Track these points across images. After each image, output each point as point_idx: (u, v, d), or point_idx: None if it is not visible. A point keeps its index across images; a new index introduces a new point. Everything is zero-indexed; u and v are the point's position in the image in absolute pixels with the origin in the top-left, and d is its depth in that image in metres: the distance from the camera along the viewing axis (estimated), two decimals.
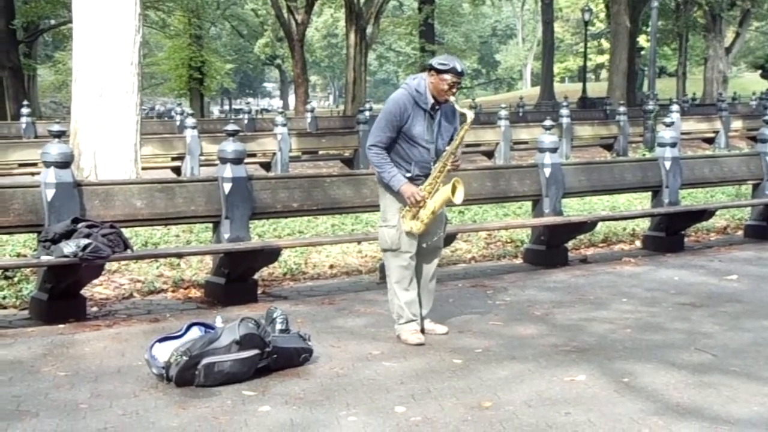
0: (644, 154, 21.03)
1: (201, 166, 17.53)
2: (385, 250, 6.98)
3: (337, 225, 11.45)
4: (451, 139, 6.84)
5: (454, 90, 6.67)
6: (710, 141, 25.18)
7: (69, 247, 7.17)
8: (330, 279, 9.54)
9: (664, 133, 11.40)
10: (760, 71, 62.46)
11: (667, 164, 11.06)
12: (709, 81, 47.64)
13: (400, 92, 6.84)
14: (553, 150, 10.32)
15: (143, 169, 13.08)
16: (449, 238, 9.27)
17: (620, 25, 38.15)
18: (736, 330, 7.15)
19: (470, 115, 6.85)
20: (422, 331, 7.00)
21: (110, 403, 5.48)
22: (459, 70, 6.64)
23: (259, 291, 8.65)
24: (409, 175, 6.74)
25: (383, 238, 6.92)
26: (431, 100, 6.70)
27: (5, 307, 8.15)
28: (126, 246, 7.66)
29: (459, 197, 6.69)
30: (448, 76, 6.62)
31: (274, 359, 6.03)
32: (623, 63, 38.21)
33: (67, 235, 7.34)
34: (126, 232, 8.02)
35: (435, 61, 6.77)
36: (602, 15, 60.34)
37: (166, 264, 9.40)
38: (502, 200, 11.11)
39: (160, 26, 45.74)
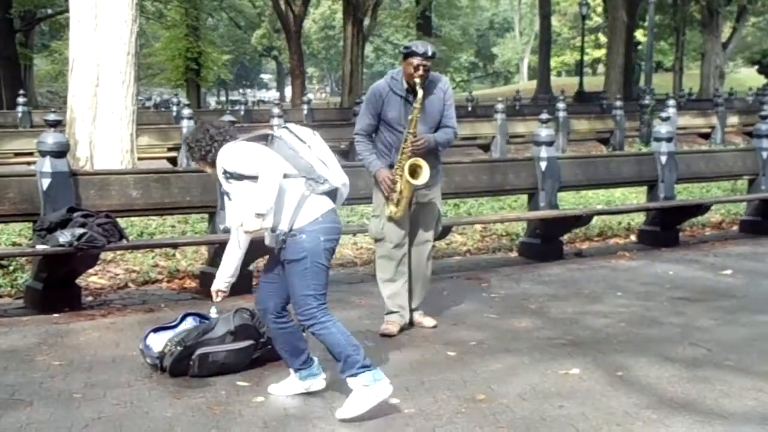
0: (640, 149, 21.05)
1: None
2: (375, 241, 7.06)
3: None
4: (439, 125, 6.81)
5: (420, 72, 6.59)
6: (706, 136, 25.16)
7: (64, 237, 7.16)
8: None
9: (661, 128, 11.39)
10: (756, 67, 62.51)
11: (663, 159, 11.06)
12: (706, 76, 47.58)
13: (379, 81, 6.98)
14: (550, 143, 10.32)
15: (139, 159, 13.07)
16: (444, 231, 9.28)
17: (617, 20, 38.15)
18: (730, 324, 7.17)
19: (420, 93, 6.65)
20: (411, 323, 7.03)
21: (104, 392, 5.49)
22: (421, 51, 6.58)
23: (255, 282, 8.62)
24: (391, 161, 6.75)
25: (370, 228, 7.09)
26: (406, 86, 6.70)
27: (0, 296, 8.15)
28: (121, 236, 7.66)
29: (422, 178, 6.61)
30: (413, 60, 6.60)
31: (268, 350, 6.03)
32: (620, 57, 38.20)
33: (63, 224, 7.33)
34: (121, 221, 8.01)
35: (403, 47, 6.82)
36: (599, 9, 60.46)
37: (162, 254, 9.39)
38: (498, 193, 11.13)
39: (156, 17, 45.67)
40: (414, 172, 6.62)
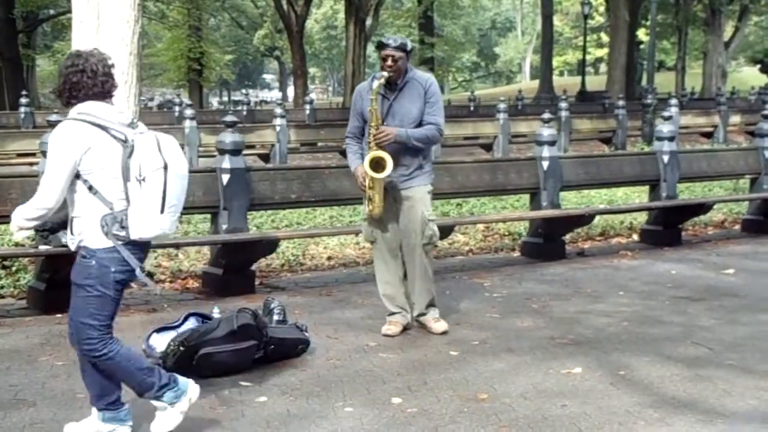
0: (642, 148, 21.05)
1: (199, 157, 17.52)
2: (370, 243, 7.12)
3: (336, 216, 11.46)
4: (421, 122, 6.67)
5: (389, 63, 6.52)
6: (709, 135, 25.18)
7: (67, 237, 7.14)
8: (328, 270, 9.55)
9: (663, 127, 11.40)
10: (759, 66, 62.47)
11: (665, 158, 11.07)
12: (708, 75, 47.64)
13: (363, 82, 6.96)
14: (552, 143, 10.33)
15: None
16: (447, 230, 9.30)
17: (619, 19, 38.14)
18: (732, 324, 7.17)
19: (375, 83, 6.61)
20: (416, 324, 7.00)
21: None
22: (387, 42, 6.54)
23: (257, 282, 8.66)
24: None
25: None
26: (384, 83, 6.63)
27: (3, 297, 8.17)
28: None
29: (384, 171, 6.49)
30: (382, 52, 6.57)
31: (271, 350, 6.05)
32: (622, 57, 38.19)
33: (66, 224, 7.31)
34: None
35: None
36: (602, 8, 60.43)
37: (164, 254, 9.40)
38: (500, 193, 11.15)
39: (159, 17, 45.70)
40: (377, 164, 6.51)
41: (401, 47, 6.54)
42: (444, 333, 6.88)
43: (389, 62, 6.53)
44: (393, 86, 6.63)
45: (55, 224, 7.31)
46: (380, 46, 6.60)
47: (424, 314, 6.99)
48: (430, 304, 7.01)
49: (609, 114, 25.67)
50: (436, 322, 6.96)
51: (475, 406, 5.30)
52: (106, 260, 4.56)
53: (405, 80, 6.65)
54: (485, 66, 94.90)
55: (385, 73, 6.54)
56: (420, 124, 6.67)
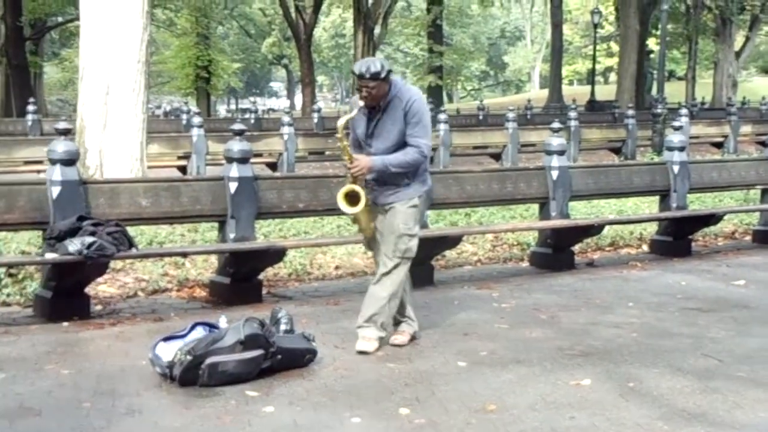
0: (652, 158, 21.00)
1: (207, 165, 17.51)
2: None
3: (343, 226, 11.41)
4: (405, 143, 6.50)
5: (364, 94, 6.38)
6: (719, 145, 25.14)
7: (74, 245, 7.15)
8: (335, 280, 9.51)
9: (673, 137, 11.36)
10: None
11: (676, 168, 11.02)
12: (719, 85, 47.56)
13: None
14: (561, 152, 10.29)
15: (149, 167, 13.08)
16: (455, 240, 9.27)
17: (629, 28, 38.14)
18: (743, 335, 7.13)
19: (340, 121, 6.69)
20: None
21: (113, 401, 5.47)
22: (357, 73, 6.36)
23: (264, 291, 8.62)
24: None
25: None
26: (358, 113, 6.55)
27: (9, 305, 8.14)
28: (131, 244, 7.65)
29: (357, 206, 6.46)
30: (357, 81, 6.45)
31: (278, 360, 6.02)
32: (632, 66, 38.19)
33: (72, 232, 7.33)
34: (131, 230, 8.01)
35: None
36: (612, 18, 60.43)
37: (171, 263, 9.38)
38: (509, 202, 11.11)
39: (167, 25, 45.87)
40: (352, 198, 6.48)
41: (374, 77, 6.32)
42: (361, 353, 6.54)
43: (364, 93, 6.39)
44: (377, 107, 6.51)
45: (62, 232, 7.35)
46: (355, 75, 6.43)
47: (360, 327, 6.67)
48: (371, 320, 6.64)
49: (619, 123, 25.64)
50: (361, 340, 6.63)
51: (483, 418, 5.27)
52: None
53: (388, 100, 6.48)
54: (494, 75, 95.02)
55: (361, 103, 6.44)
56: (405, 144, 6.50)
